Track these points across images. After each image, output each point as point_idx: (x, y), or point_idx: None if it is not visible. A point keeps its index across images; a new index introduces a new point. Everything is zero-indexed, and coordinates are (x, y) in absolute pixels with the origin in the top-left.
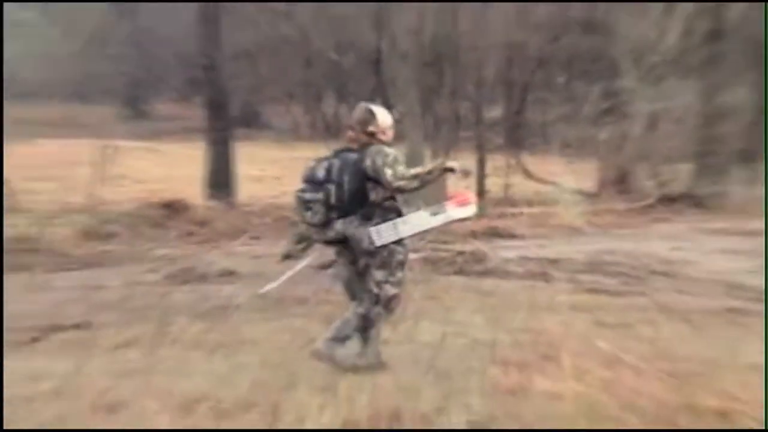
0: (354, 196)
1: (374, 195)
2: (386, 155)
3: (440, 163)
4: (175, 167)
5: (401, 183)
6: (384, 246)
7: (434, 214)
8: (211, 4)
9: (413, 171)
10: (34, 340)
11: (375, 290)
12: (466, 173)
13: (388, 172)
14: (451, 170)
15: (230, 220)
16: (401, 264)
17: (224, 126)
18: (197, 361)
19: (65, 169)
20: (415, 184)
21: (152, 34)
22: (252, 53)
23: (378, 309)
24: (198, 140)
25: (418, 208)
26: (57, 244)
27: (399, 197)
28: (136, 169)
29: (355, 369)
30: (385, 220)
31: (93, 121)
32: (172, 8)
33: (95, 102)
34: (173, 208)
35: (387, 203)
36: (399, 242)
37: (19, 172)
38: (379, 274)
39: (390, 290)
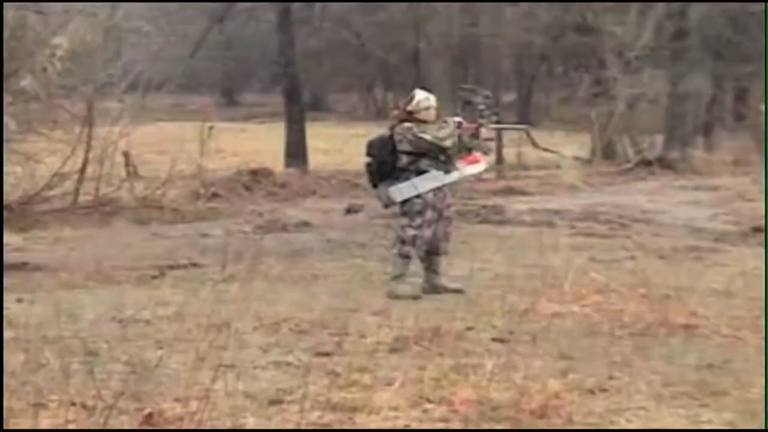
0: (384, 164)
1: (401, 162)
2: (411, 129)
3: (454, 123)
4: (260, 142)
5: (446, 142)
6: (407, 199)
7: (448, 172)
8: (286, 15)
9: (443, 132)
10: (155, 276)
11: (399, 232)
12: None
13: (427, 137)
14: (460, 124)
15: (304, 183)
16: (419, 212)
17: (298, 110)
18: (281, 291)
19: (177, 144)
20: (451, 138)
21: (241, 40)
22: (319, 53)
23: (406, 248)
24: (278, 121)
25: (436, 169)
26: (172, 203)
27: (424, 161)
28: (231, 144)
29: (415, 297)
30: (408, 180)
31: (198, 108)
32: (255, 18)
33: (198, 93)
34: (260, 174)
35: (412, 167)
36: (418, 196)
37: (141, 148)
38: (402, 221)
39: (409, 231)
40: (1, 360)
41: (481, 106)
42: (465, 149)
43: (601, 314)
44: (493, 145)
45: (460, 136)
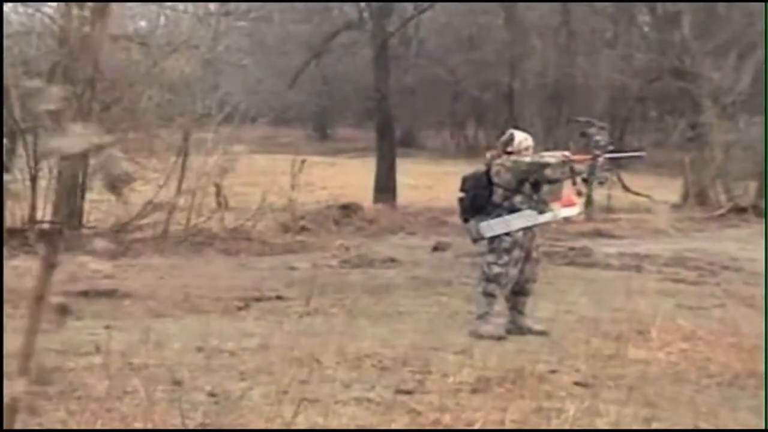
0: (477, 197)
1: (495, 197)
2: (508, 159)
3: (561, 156)
4: (350, 177)
5: (547, 159)
6: (496, 236)
7: (542, 212)
8: (383, 51)
9: (545, 154)
10: (240, 308)
11: (484, 269)
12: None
13: (527, 159)
14: (567, 158)
15: (392, 219)
16: (507, 250)
17: (389, 146)
18: (365, 327)
19: (269, 176)
20: (554, 158)
21: (337, 74)
22: (412, 89)
23: (491, 286)
24: (368, 156)
25: (530, 208)
26: (261, 235)
27: (517, 198)
28: (321, 178)
29: (498, 337)
30: (500, 216)
31: (290, 141)
32: (351, 53)
33: (292, 126)
34: (349, 209)
35: (505, 203)
36: (507, 233)
37: (233, 179)
38: (489, 257)
39: (495, 269)
40: (1, 361)
41: (598, 137)
42: (576, 180)
43: (688, 362)
44: (609, 175)
45: (572, 167)
